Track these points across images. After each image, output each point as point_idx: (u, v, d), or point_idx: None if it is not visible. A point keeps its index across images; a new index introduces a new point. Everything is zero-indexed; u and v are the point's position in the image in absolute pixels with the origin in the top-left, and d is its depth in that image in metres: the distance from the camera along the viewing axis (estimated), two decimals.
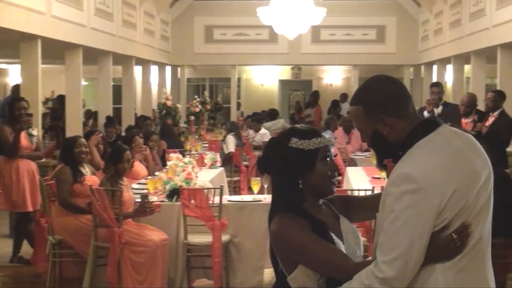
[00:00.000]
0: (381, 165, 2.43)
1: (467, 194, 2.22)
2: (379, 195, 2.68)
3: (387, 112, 2.32)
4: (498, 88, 9.70)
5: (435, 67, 15.06)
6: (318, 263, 2.33)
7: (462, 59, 13.02)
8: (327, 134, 11.07)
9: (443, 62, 14.41)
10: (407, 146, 2.30)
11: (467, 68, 13.29)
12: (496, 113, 8.29)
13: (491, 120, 8.25)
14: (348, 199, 2.70)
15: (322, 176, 2.45)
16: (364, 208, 2.69)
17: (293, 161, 2.44)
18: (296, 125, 2.62)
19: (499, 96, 8.47)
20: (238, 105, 19.45)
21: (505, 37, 9.92)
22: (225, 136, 11.51)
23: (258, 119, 14.20)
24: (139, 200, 5.87)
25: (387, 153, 2.38)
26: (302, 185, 2.45)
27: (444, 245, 2.20)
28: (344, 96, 18.92)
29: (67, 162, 6.23)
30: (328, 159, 2.47)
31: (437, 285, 2.22)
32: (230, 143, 10.97)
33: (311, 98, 18.93)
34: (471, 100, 8.72)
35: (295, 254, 2.36)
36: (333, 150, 10.29)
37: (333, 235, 2.43)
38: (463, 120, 8.61)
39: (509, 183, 6.31)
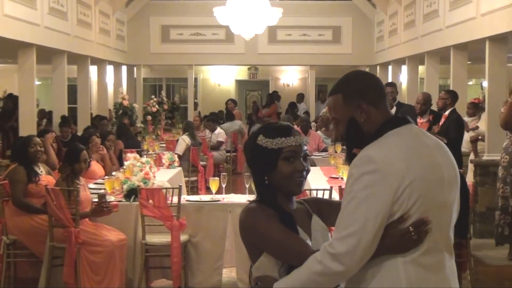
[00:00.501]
0: (350, 158, 2.44)
1: (425, 187, 2.25)
2: None
3: (366, 99, 2.37)
4: (451, 88, 9.86)
5: (390, 68, 15.25)
6: (280, 251, 2.36)
7: (416, 59, 13.20)
8: None
9: (398, 62, 14.60)
10: (375, 135, 2.34)
11: (421, 68, 13.48)
12: (447, 113, 8.45)
13: (443, 120, 8.39)
14: (321, 201, 2.75)
15: (284, 176, 2.46)
16: (337, 211, 2.72)
17: (257, 158, 2.50)
18: (272, 122, 2.65)
19: (450, 96, 8.61)
20: (195, 105, 19.40)
21: (457, 38, 10.09)
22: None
23: (213, 119, 14.19)
24: (96, 200, 5.81)
25: (359, 144, 2.40)
26: (269, 182, 2.48)
27: (400, 236, 2.23)
28: (301, 96, 19.04)
29: (21, 162, 6.13)
30: (291, 159, 2.47)
31: (398, 279, 2.24)
32: (181, 144, 10.90)
33: (268, 99, 19.00)
34: (426, 98, 8.85)
35: (260, 241, 2.39)
36: None
37: (300, 229, 2.46)
38: (419, 120, 8.73)
39: (464, 183, 6.43)
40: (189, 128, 11.51)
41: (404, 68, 14.03)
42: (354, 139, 2.42)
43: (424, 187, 2.25)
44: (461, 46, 10.24)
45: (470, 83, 18.94)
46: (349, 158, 2.45)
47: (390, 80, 14.18)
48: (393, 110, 9.93)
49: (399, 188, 2.21)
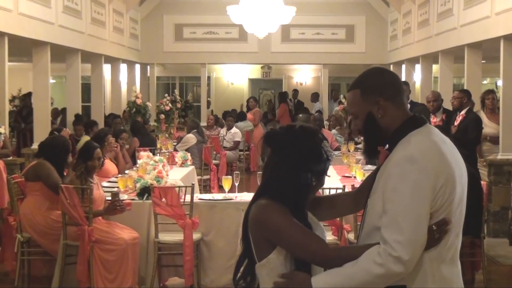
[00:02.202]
0: (370, 152, 2.52)
1: (453, 186, 2.33)
2: (348, 193, 2.87)
3: (383, 95, 2.42)
4: (465, 87, 9.82)
5: (404, 67, 15.18)
6: (297, 246, 2.38)
7: (430, 58, 13.14)
8: None
9: (412, 61, 14.54)
10: (398, 135, 2.40)
11: (435, 67, 13.42)
12: (463, 112, 8.41)
13: (459, 119, 8.35)
14: (316, 198, 2.73)
15: (317, 185, 2.54)
16: (334, 206, 2.77)
17: (320, 161, 2.49)
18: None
19: (466, 95, 8.58)
20: (208, 103, 19.42)
21: (472, 36, 10.04)
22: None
23: (234, 116, 14.23)
24: (109, 198, 5.82)
25: (377, 139, 2.47)
26: (310, 181, 2.49)
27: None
28: (315, 96, 19.00)
29: (51, 161, 6.19)
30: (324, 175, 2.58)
31: (425, 275, 2.32)
32: (186, 142, 10.87)
33: (278, 99, 18.94)
34: (436, 95, 8.85)
35: (275, 236, 2.39)
36: None
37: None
38: (433, 120, 8.70)
39: (478, 183, 6.40)
40: (196, 126, 11.46)
41: (418, 67, 13.97)
42: (371, 134, 2.47)
43: (452, 186, 2.32)
44: (476, 45, 10.18)
45: (485, 82, 18.83)
46: (368, 152, 2.53)
47: (403, 79, 14.12)
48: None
49: (436, 187, 2.28)
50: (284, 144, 2.48)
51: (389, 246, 2.23)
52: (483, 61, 10.71)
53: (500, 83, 9.26)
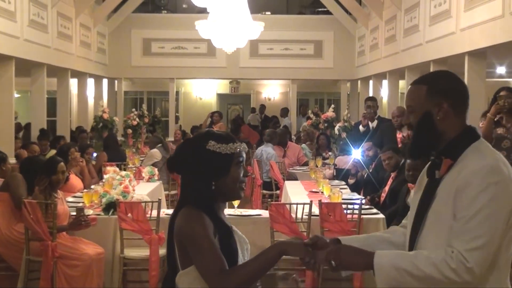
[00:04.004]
0: (416, 153, 2.48)
1: None
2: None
3: (449, 100, 2.37)
4: None
5: (371, 82, 15.33)
6: (198, 257, 2.36)
7: (397, 74, 13.28)
8: (268, 148, 11.11)
9: (379, 77, 14.68)
10: (460, 144, 2.36)
11: (402, 83, 13.56)
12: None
13: None
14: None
15: (234, 181, 2.51)
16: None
17: (208, 163, 2.48)
18: (212, 129, 2.65)
19: None
20: (177, 118, 19.36)
21: (437, 52, 10.17)
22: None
23: None
24: (74, 213, 5.74)
25: (428, 140, 2.41)
26: (215, 187, 2.48)
27: None
28: (285, 111, 19.07)
29: (26, 176, 6.06)
30: (241, 164, 2.53)
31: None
32: (151, 158, 10.77)
33: (232, 126, 18.91)
34: (401, 110, 8.93)
35: (189, 241, 2.38)
36: (271, 163, 10.36)
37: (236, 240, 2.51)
38: (398, 135, 8.77)
39: None
40: (159, 141, 11.37)
41: (385, 82, 14.10)
42: (424, 133, 2.41)
43: None
44: (441, 61, 10.31)
45: None
46: (413, 152, 2.48)
47: (371, 94, 14.25)
48: (374, 124, 9.98)
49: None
50: (179, 164, 2.53)
51: (460, 255, 2.20)
52: None
53: None
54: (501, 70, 13.86)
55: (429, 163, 2.47)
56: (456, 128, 2.38)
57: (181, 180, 2.59)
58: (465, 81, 8.97)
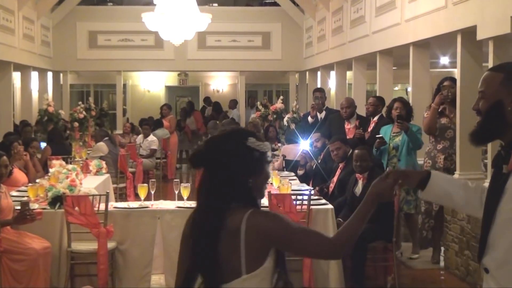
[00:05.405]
0: (479, 138, 2.42)
1: None
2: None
3: None
4: (377, 93, 10.04)
5: (319, 73, 15.41)
6: (307, 242, 2.38)
7: (344, 65, 13.38)
8: None
9: (327, 68, 14.77)
10: None
11: (349, 74, 13.68)
12: (376, 118, 8.61)
13: (372, 125, 8.53)
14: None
15: (266, 179, 2.51)
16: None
17: (248, 160, 2.42)
18: (242, 127, 2.63)
19: (379, 101, 8.81)
20: (124, 111, 19.15)
21: (383, 43, 10.28)
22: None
23: (150, 124, 14.08)
24: (19, 207, 5.63)
25: (494, 128, 2.34)
26: (251, 184, 2.44)
27: None
28: (233, 103, 19.05)
29: None
30: (270, 163, 2.55)
31: None
32: (97, 151, 10.62)
33: (188, 107, 18.90)
34: (349, 101, 9.05)
35: (286, 240, 2.35)
36: None
37: None
38: (347, 126, 8.86)
39: None
40: (106, 134, 11.22)
41: (333, 73, 14.20)
42: (492, 121, 2.35)
43: None
44: (387, 52, 10.43)
45: (396, 88, 19.36)
46: (477, 137, 2.41)
47: (319, 85, 14.34)
48: (323, 115, 10.06)
49: None
50: (211, 159, 2.44)
51: None
52: (394, 68, 10.99)
53: (410, 89, 9.51)
54: (444, 60, 14.12)
55: (496, 154, 2.41)
56: None
57: (207, 177, 2.44)
58: (410, 71, 9.11)
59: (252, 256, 2.34)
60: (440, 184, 2.52)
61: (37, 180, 6.98)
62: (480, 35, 6.80)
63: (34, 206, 5.91)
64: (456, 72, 7.80)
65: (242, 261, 2.33)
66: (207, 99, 20.28)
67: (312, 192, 6.55)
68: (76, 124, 13.78)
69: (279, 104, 13.66)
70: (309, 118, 10.28)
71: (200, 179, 2.48)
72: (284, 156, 9.64)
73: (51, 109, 12.31)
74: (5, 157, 5.82)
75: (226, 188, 2.41)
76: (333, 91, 14.50)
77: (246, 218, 2.34)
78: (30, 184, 6.80)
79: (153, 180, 6.75)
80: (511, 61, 2.50)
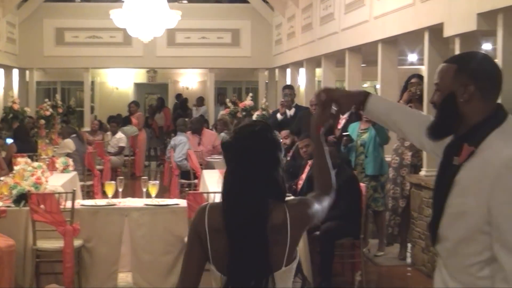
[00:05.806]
0: (436, 132, 2.35)
1: None
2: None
3: (477, 83, 2.25)
4: None
5: (288, 71, 15.42)
6: (324, 209, 2.55)
7: (313, 62, 13.40)
8: (180, 136, 11.04)
9: (296, 65, 14.77)
10: (482, 129, 2.23)
11: (318, 71, 13.71)
12: (346, 115, 8.60)
13: (342, 122, 8.53)
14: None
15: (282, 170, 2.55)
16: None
17: (280, 153, 2.48)
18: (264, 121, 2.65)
19: None
20: (92, 108, 18.98)
21: (352, 41, 10.32)
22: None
23: (118, 121, 13.97)
24: None
25: (450, 122, 2.30)
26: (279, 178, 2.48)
27: None
28: (200, 100, 18.99)
29: None
30: None
31: None
32: (64, 148, 10.49)
33: (158, 103, 18.83)
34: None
35: (314, 220, 2.51)
36: (189, 152, 10.30)
37: None
38: None
39: (357, 185, 6.53)
40: (73, 131, 11.10)
41: (303, 70, 14.22)
42: (446, 114, 2.31)
43: None
44: (356, 49, 10.48)
45: (365, 85, 19.46)
46: (433, 130, 2.35)
47: (288, 83, 14.36)
48: (292, 112, 10.07)
49: None
50: (252, 153, 2.41)
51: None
52: (363, 65, 11.04)
53: (378, 86, 9.56)
54: (412, 57, 14.24)
55: (448, 143, 2.36)
56: (481, 113, 2.24)
57: (240, 173, 2.40)
58: (379, 69, 9.16)
59: (293, 248, 2.38)
60: (379, 103, 2.58)
61: (1, 178, 6.88)
62: (447, 32, 6.86)
63: None
64: (424, 69, 7.85)
65: (286, 254, 2.35)
66: (179, 96, 20.20)
67: None
68: (42, 121, 13.61)
69: (248, 101, 13.64)
70: (279, 115, 10.29)
71: (227, 174, 2.44)
72: None
73: (16, 106, 12.14)
74: None
75: (269, 180, 2.41)
76: (302, 88, 14.52)
77: (288, 211, 2.37)
78: None
79: (120, 177, 6.69)
80: (466, 52, 2.51)
